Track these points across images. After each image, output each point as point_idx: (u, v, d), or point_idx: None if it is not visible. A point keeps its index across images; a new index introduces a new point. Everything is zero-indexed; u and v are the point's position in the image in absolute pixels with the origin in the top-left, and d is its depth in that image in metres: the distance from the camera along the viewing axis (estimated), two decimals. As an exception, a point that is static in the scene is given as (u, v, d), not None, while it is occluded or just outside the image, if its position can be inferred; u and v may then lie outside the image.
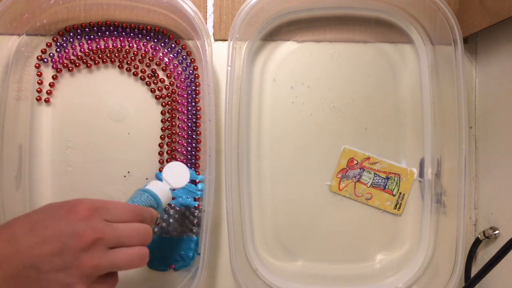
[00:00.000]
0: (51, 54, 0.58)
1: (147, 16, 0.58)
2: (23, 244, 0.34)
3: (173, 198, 0.57)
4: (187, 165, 0.55)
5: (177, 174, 0.50)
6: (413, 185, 0.60)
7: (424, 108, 0.59)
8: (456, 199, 0.54)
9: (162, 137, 0.58)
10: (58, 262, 0.35)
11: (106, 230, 0.37)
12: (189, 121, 0.58)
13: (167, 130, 0.58)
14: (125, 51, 0.58)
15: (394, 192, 0.59)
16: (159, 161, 0.58)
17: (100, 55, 0.58)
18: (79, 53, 0.58)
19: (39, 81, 0.58)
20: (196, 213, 0.57)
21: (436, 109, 0.58)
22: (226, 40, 0.59)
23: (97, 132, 0.58)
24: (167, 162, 0.58)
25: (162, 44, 0.59)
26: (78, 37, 0.59)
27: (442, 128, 0.58)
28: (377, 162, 0.59)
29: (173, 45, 0.59)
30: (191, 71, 0.59)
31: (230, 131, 0.53)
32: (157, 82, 0.59)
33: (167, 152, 0.58)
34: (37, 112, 0.58)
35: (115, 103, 0.58)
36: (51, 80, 0.58)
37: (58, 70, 0.58)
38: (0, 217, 0.55)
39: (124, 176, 0.58)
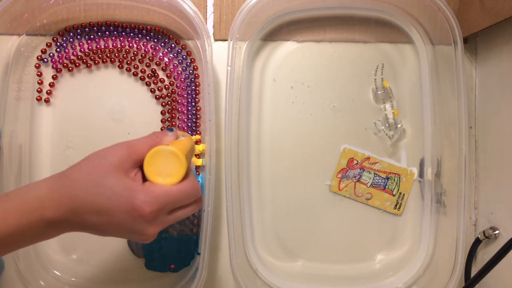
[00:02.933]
0: (51, 54, 0.58)
1: (147, 16, 0.58)
2: (88, 219, 0.38)
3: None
4: None
5: None
6: (413, 185, 0.60)
7: (424, 108, 0.59)
8: (456, 199, 0.54)
9: (162, 137, 0.58)
10: (122, 235, 0.40)
11: (169, 221, 0.40)
12: (189, 121, 0.58)
13: (167, 130, 0.58)
14: (125, 51, 0.58)
15: (394, 192, 0.59)
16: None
17: (100, 55, 0.58)
18: (79, 53, 0.58)
19: (39, 81, 0.58)
20: (196, 213, 0.57)
21: (436, 109, 0.58)
22: (226, 40, 0.59)
23: (97, 132, 0.58)
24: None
25: (162, 44, 0.59)
26: (78, 37, 0.59)
27: (442, 128, 0.58)
28: (377, 162, 0.59)
29: (173, 45, 0.59)
30: (191, 71, 0.59)
31: (230, 131, 0.53)
32: (157, 82, 0.59)
33: (167, 152, 0.58)
34: (37, 112, 0.58)
35: (115, 103, 0.58)
36: (51, 80, 0.58)
37: (58, 70, 0.58)
38: (0, 217, 0.55)
39: (124, 176, 0.58)
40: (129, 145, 0.40)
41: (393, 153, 0.59)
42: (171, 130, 0.45)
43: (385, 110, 0.57)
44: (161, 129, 0.58)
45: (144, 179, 0.40)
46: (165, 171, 0.39)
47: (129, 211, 0.37)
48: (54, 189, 0.38)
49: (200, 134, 0.58)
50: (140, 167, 0.40)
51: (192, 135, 0.58)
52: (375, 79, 0.58)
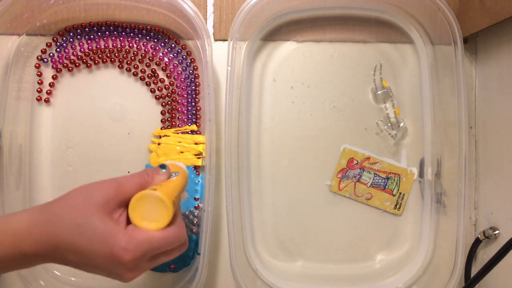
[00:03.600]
0: (51, 54, 0.58)
1: (147, 16, 0.58)
2: (67, 258, 0.37)
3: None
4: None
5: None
6: (413, 185, 0.60)
7: (424, 108, 0.59)
8: (456, 199, 0.54)
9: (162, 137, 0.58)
10: (103, 274, 0.39)
11: (150, 266, 0.39)
12: (189, 121, 0.58)
13: (167, 130, 0.58)
14: (125, 51, 0.58)
15: (394, 192, 0.59)
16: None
17: (100, 55, 0.58)
18: (79, 53, 0.58)
19: (39, 81, 0.58)
20: (196, 213, 0.57)
21: (436, 109, 0.58)
22: (226, 40, 0.59)
23: (97, 132, 0.58)
24: (167, 162, 0.58)
25: (162, 44, 0.59)
26: (78, 37, 0.59)
27: (442, 128, 0.58)
28: (377, 162, 0.59)
29: (173, 45, 0.59)
30: (191, 71, 0.59)
31: (230, 131, 0.53)
32: (157, 82, 0.59)
33: (167, 152, 0.58)
34: (37, 112, 0.58)
35: (115, 103, 0.58)
36: (51, 80, 0.58)
37: (58, 70, 0.58)
38: (0, 217, 0.55)
39: (124, 176, 0.58)
40: (118, 184, 0.39)
41: (393, 153, 0.59)
42: (164, 167, 0.44)
43: (386, 110, 0.57)
44: (161, 129, 0.58)
45: (129, 220, 0.38)
46: (150, 216, 0.38)
47: (109, 257, 0.36)
48: (35, 224, 0.37)
49: (200, 133, 0.58)
50: (126, 206, 0.39)
51: (192, 135, 0.58)
52: (374, 79, 0.58)
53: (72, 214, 0.36)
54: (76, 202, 0.37)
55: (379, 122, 0.57)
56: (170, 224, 0.39)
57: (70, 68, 0.58)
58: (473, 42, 0.60)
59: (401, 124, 0.56)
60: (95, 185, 0.38)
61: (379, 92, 0.58)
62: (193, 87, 0.58)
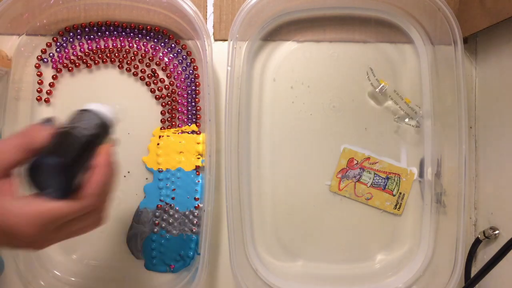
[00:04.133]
0: (51, 54, 0.58)
1: (147, 16, 0.58)
2: None
3: (173, 190, 0.57)
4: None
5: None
6: (413, 185, 0.60)
7: (424, 108, 0.59)
8: (456, 199, 0.54)
9: (162, 137, 0.58)
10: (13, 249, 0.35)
11: (62, 237, 0.35)
12: (189, 121, 0.58)
13: (167, 130, 0.58)
14: (125, 51, 0.58)
15: (394, 192, 0.59)
16: (159, 161, 0.58)
17: (100, 55, 0.58)
18: (79, 53, 0.58)
19: (39, 81, 0.58)
20: (196, 213, 0.57)
21: (436, 109, 0.58)
22: (226, 40, 0.59)
23: (97, 132, 0.58)
24: (167, 162, 0.58)
25: (162, 44, 0.59)
26: (78, 37, 0.59)
27: (442, 128, 0.58)
28: (377, 162, 0.59)
29: (173, 45, 0.59)
30: (191, 71, 0.59)
31: (230, 131, 0.53)
32: (157, 82, 0.59)
33: (167, 152, 0.58)
34: (37, 112, 0.58)
35: (115, 103, 0.58)
36: (51, 80, 0.58)
37: (58, 70, 0.58)
38: (0, 217, 0.55)
39: (124, 176, 0.58)
40: None
41: (393, 153, 0.59)
42: (49, 121, 0.37)
43: (397, 104, 0.57)
44: (161, 129, 0.58)
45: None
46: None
47: (6, 233, 0.33)
48: None
49: (200, 133, 0.58)
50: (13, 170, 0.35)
51: (192, 135, 0.58)
52: (371, 84, 0.58)
53: None
54: None
55: (397, 119, 0.57)
56: (72, 191, 0.34)
57: (70, 68, 0.58)
58: (473, 42, 0.60)
59: (417, 110, 0.56)
60: None
61: (377, 90, 0.57)
62: (193, 87, 0.58)
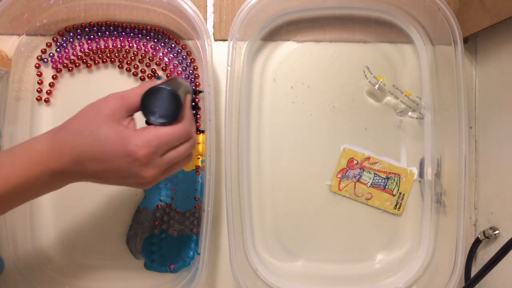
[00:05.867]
0: (51, 54, 0.58)
1: (147, 16, 0.58)
2: (89, 168, 0.40)
3: (173, 190, 0.57)
4: None
5: None
6: (413, 185, 0.60)
7: (424, 108, 0.59)
8: (456, 199, 0.54)
9: (162, 137, 0.58)
10: (122, 181, 0.42)
11: (163, 163, 0.42)
12: (189, 121, 0.58)
13: (167, 130, 0.58)
14: (125, 51, 0.58)
15: (394, 192, 0.59)
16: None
17: (100, 55, 0.58)
18: (79, 53, 0.58)
19: (39, 81, 0.58)
20: (196, 213, 0.57)
21: (436, 109, 0.58)
22: (226, 40, 0.59)
23: (97, 132, 0.58)
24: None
25: (162, 44, 0.59)
26: (78, 37, 0.59)
27: (442, 128, 0.58)
28: (377, 162, 0.59)
29: (173, 45, 0.59)
30: (191, 71, 0.59)
31: (230, 131, 0.53)
32: (157, 82, 0.59)
33: (167, 152, 0.58)
34: (37, 112, 0.58)
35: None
36: (51, 80, 0.58)
37: (58, 70, 0.58)
38: (0, 218, 0.55)
39: (124, 176, 0.58)
40: (122, 96, 0.42)
41: (393, 153, 0.59)
42: (159, 78, 0.48)
43: (397, 98, 0.57)
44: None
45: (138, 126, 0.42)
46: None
47: (124, 156, 0.40)
48: (55, 141, 0.40)
49: (200, 133, 0.58)
50: (134, 115, 0.43)
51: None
52: (369, 81, 0.58)
53: (87, 126, 0.40)
54: (88, 116, 0.41)
55: (399, 113, 0.57)
56: (178, 121, 0.43)
57: (70, 68, 0.58)
58: (473, 42, 0.60)
59: (419, 101, 0.56)
60: (102, 100, 0.42)
61: (376, 87, 0.57)
62: (193, 87, 0.58)
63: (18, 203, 0.42)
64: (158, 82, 0.44)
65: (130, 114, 0.43)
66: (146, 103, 0.42)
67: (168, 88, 0.41)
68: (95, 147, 0.40)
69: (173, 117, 0.42)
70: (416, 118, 0.58)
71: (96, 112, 0.41)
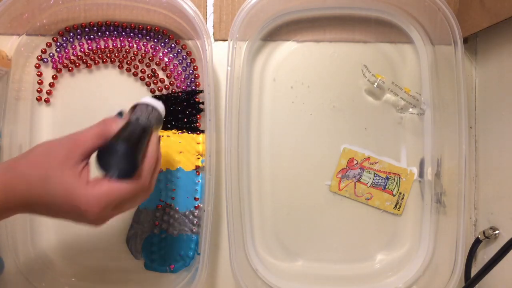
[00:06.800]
0: (51, 54, 0.58)
1: (147, 16, 0.58)
2: (37, 211, 0.39)
3: (173, 190, 0.57)
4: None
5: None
6: (413, 185, 0.60)
7: (423, 108, 0.59)
8: (456, 199, 0.54)
9: (162, 137, 0.58)
10: (74, 222, 0.40)
11: (115, 214, 0.40)
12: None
13: (167, 130, 0.58)
14: (125, 51, 0.58)
15: (394, 192, 0.59)
16: (159, 161, 0.58)
17: (100, 55, 0.58)
18: (79, 53, 0.58)
19: (39, 81, 0.58)
20: (196, 213, 0.57)
21: (436, 109, 0.58)
22: (226, 40, 0.59)
23: (97, 132, 0.58)
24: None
25: (162, 44, 0.59)
26: (78, 37, 0.59)
27: (442, 128, 0.58)
28: (377, 162, 0.59)
29: (173, 45, 0.59)
30: (191, 71, 0.59)
31: (230, 131, 0.53)
32: (157, 82, 0.59)
33: (167, 152, 0.58)
34: (37, 112, 0.58)
35: (115, 103, 0.58)
36: (51, 80, 0.58)
37: (58, 70, 0.58)
38: (0, 217, 0.55)
39: (124, 176, 0.58)
40: (75, 138, 0.40)
41: (393, 153, 0.59)
42: (121, 115, 0.44)
43: (397, 95, 0.57)
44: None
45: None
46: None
47: (73, 212, 0.38)
48: (3, 184, 0.38)
49: (200, 134, 0.58)
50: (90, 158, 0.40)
51: (192, 135, 0.58)
52: (367, 80, 0.58)
53: (36, 171, 0.38)
54: (38, 159, 0.39)
55: (400, 110, 0.57)
56: (135, 176, 0.39)
57: (70, 68, 0.58)
58: (473, 42, 0.60)
59: (419, 97, 0.56)
60: (55, 142, 0.40)
61: (375, 85, 0.57)
62: (193, 87, 0.58)
63: None
64: (119, 121, 0.41)
65: (85, 158, 0.39)
66: (101, 160, 0.39)
67: (123, 146, 0.38)
68: (44, 198, 0.38)
69: (129, 175, 0.39)
70: (417, 114, 0.58)
71: (46, 157, 0.38)
